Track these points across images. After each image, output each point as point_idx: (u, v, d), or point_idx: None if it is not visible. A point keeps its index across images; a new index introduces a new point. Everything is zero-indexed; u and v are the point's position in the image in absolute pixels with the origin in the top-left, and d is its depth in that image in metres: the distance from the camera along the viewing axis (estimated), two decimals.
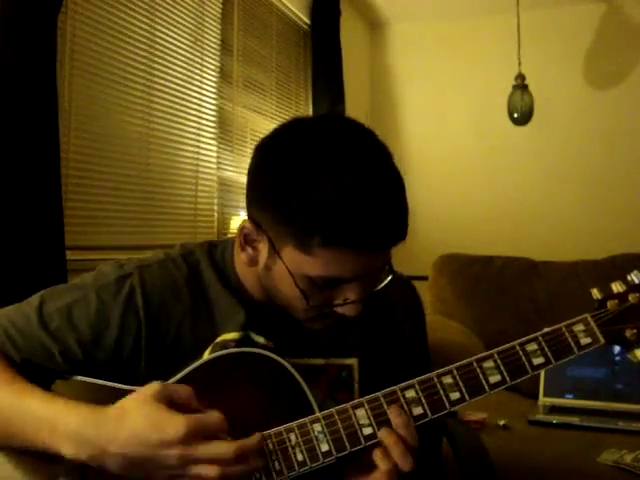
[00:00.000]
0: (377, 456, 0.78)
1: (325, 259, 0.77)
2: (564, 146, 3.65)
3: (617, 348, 0.86)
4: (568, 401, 2.06)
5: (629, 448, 1.70)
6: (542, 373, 2.10)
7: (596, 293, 0.83)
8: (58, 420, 0.76)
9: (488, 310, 2.64)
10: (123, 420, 0.73)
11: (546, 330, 0.81)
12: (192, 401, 0.75)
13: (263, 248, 0.83)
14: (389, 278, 0.84)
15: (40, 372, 0.85)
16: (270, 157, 0.81)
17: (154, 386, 0.75)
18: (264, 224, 0.81)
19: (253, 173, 0.83)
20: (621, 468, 1.60)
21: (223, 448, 0.72)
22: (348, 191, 0.75)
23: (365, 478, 0.79)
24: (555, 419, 1.97)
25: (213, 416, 0.74)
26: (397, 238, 0.80)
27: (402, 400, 0.79)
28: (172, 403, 0.74)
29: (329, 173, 0.75)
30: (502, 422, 1.93)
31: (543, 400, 2.08)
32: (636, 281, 0.82)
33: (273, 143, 0.82)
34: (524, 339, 0.81)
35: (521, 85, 3.25)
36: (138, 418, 0.72)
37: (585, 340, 0.81)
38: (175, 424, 0.71)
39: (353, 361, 0.93)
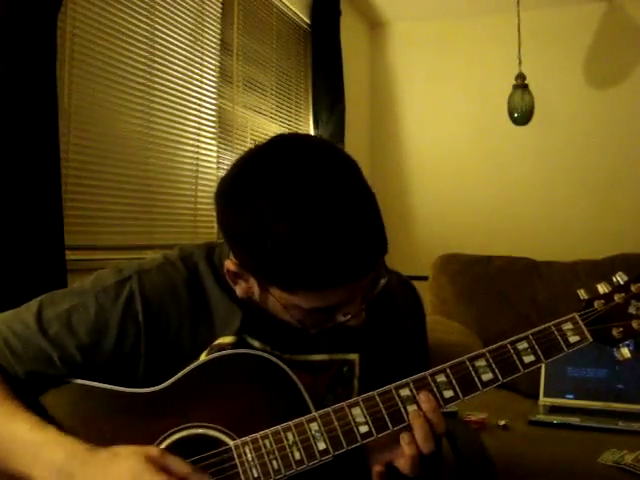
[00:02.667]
0: (404, 440, 0.80)
1: (310, 296, 0.78)
2: (564, 146, 3.65)
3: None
4: (568, 401, 2.06)
5: (630, 448, 1.70)
6: (542, 373, 2.10)
7: (583, 294, 0.86)
8: (45, 449, 0.76)
9: (488, 310, 2.64)
10: (109, 466, 0.73)
11: (536, 329, 0.83)
12: (186, 474, 0.75)
13: (253, 283, 0.83)
14: (384, 281, 0.84)
15: (37, 378, 0.84)
16: (230, 205, 0.79)
17: (154, 449, 0.75)
18: (246, 265, 0.81)
19: (220, 221, 0.82)
20: (621, 468, 1.60)
21: None
22: (309, 233, 0.72)
23: (389, 456, 0.82)
24: (555, 419, 1.97)
25: None
26: (375, 260, 0.78)
27: (397, 398, 0.80)
28: (165, 470, 0.74)
29: (286, 217, 0.73)
30: (502, 422, 1.93)
31: (543, 400, 2.08)
32: (621, 282, 0.85)
33: (231, 190, 0.80)
34: (515, 338, 0.83)
35: (521, 85, 3.25)
36: (124, 467, 0.73)
37: (574, 338, 0.83)
38: None
39: (355, 356, 0.93)
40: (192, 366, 0.84)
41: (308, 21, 3.37)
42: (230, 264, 0.83)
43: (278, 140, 0.82)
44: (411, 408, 0.80)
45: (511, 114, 3.28)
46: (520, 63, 3.24)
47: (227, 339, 0.87)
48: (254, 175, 0.78)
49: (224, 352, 0.85)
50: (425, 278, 2.77)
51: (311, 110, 3.37)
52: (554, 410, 2.05)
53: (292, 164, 0.76)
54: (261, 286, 0.82)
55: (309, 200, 0.73)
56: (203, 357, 0.86)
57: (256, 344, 0.88)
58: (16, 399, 0.81)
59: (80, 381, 0.85)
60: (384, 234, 0.79)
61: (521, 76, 3.25)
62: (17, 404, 0.81)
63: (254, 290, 0.84)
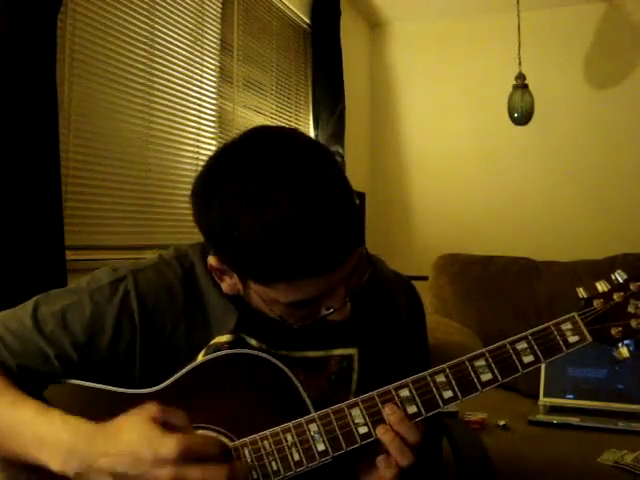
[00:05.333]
0: (381, 464, 0.78)
1: (287, 289, 0.77)
2: (564, 146, 3.65)
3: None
4: (568, 401, 2.07)
5: (629, 448, 1.70)
6: (542, 373, 2.10)
7: (582, 292, 0.85)
8: (50, 432, 0.76)
9: (488, 310, 2.64)
10: (118, 435, 0.73)
11: (535, 329, 0.82)
12: (187, 427, 0.75)
13: (235, 278, 0.83)
14: (368, 272, 0.83)
15: (36, 376, 0.84)
16: (200, 201, 0.79)
17: (151, 407, 0.75)
18: (224, 260, 0.81)
19: (195, 219, 0.81)
20: (621, 468, 1.60)
21: (215, 471, 0.72)
22: (275, 223, 0.72)
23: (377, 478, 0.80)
24: (555, 419, 1.97)
25: (207, 439, 0.75)
26: (345, 250, 0.77)
27: (396, 399, 0.80)
28: (168, 425, 0.74)
29: (251, 208, 0.72)
30: (502, 422, 1.93)
31: (543, 400, 2.08)
32: (620, 280, 0.84)
33: (201, 187, 0.80)
34: (514, 338, 0.82)
35: (521, 85, 3.25)
36: (133, 434, 0.72)
37: (573, 338, 0.82)
38: (169, 443, 0.71)
39: (353, 351, 0.93)
40: (190, 366, 0.84)
41: (308, 21, 3.37)
42: (212, 260, 0.83)
43: (247, 134, 0.83)
44: (411, 409, 0.80)
45: (511, 114, 3.28)
46: (520, 63, 3.24)
47: (224, 338, 0.87)
48: (221, 170, 0.78)
49: (222, 352, 0.84)
50: (425, 278, 2.77)
51: (311, 110, 3.37)
52: (554, 410, 2.05)
53: (258, 156, 0.77)
54: (242, 281, 0.82)
55: (274, 190, 0.73)
56: (200, 357, 0.85)
57: (253, 342, 0.88)
58: (17, 389, 0.81)
59: (76, 381, 0.85)
60: (357, 224, 0.78)
61: (521, 76, 3.25)
62: (19, 393, 0.81)
63: (239, 286, 0.84)
